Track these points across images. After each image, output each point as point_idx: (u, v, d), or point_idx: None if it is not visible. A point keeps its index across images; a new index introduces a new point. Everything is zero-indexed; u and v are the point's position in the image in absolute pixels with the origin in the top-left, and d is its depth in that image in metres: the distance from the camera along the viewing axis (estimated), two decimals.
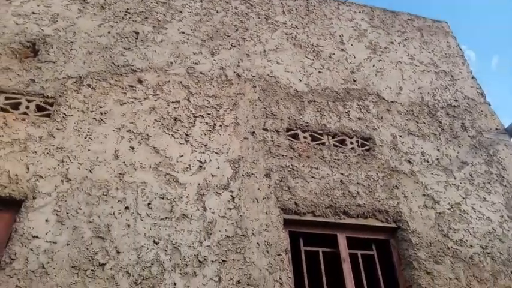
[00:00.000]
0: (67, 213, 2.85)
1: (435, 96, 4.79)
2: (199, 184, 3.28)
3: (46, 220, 2.79)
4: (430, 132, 4.40)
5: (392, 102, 4.52)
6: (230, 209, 3.22)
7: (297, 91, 4.23)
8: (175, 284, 2.74)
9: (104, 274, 2.67)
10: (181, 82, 3.89)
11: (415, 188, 3.84)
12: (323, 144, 3.93)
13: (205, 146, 3.53)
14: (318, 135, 3.97)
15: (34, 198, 2.87)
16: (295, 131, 3.93)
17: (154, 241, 2.89)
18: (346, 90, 4.43)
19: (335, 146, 3.96)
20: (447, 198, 3.87)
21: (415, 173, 3.96)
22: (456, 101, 4.84)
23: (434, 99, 4.76)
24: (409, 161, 4.03)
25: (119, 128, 3.41)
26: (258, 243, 3.09)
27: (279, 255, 3.08)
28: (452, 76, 5.12)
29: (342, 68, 4.66)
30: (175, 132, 3.53)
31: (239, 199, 3.29)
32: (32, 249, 2.65)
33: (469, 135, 4.52)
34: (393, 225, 3.57)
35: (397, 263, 3.49)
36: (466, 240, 3.63)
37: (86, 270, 2.65)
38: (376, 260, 3.46)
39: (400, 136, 4.22)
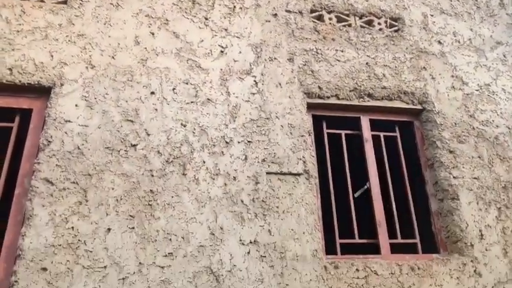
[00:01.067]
0: (95, 98, 2.92)
1: None
2: (221, 69, 3.25)
3: (76, 105, 2.88)
4: (464, 10, 4.10)
5: None
6: (253, 93, 3.22)
7: None
8: (204, 162, 2.89)
9: (137, 154, 2.81)
10: None
11: (444, 69, 3.71)
12: (349, 25, 3.75)
13: (226, 30, 3.42)
14: (344, 16, 3.77)
15: (62, 84, 2.93)
16: (320, 12, 3.73)
17: (182, 124, 2.97)
18: None
19: (362, 27, 3.77)
20: (476, 79, 3.75)
21: (445, 53, 3.79)
22: None
23: None
24: (439, 42, 3.84)
25: (137, 13, 3.31)
26: (281, 125, 3.15)
27: (302, 136, 3.15)
28: None
29: None
30: (194, 16, 3.41)
31: (262, 84, 3.27)
32: (66, 132, 2.78)
33: (507, 13, 4.21)
34: (418, 106, 3.54)
35: (420, 143, 3.53)
36: (493, 121, 3.59)
37: (119, 151, 2.80)
38: (398, 141, 3.51)
39: (432, 15, 3.97)
